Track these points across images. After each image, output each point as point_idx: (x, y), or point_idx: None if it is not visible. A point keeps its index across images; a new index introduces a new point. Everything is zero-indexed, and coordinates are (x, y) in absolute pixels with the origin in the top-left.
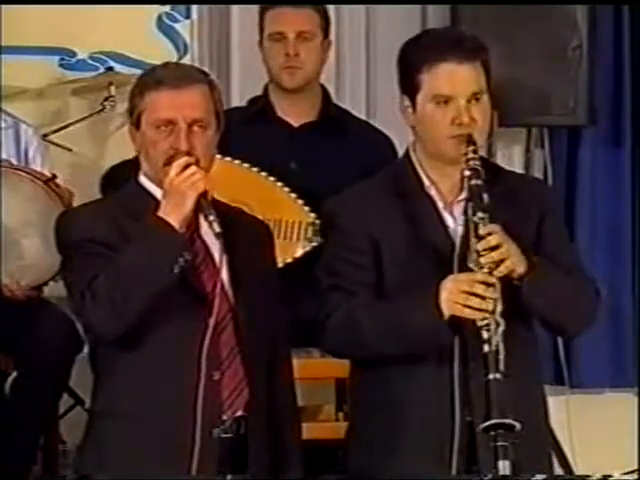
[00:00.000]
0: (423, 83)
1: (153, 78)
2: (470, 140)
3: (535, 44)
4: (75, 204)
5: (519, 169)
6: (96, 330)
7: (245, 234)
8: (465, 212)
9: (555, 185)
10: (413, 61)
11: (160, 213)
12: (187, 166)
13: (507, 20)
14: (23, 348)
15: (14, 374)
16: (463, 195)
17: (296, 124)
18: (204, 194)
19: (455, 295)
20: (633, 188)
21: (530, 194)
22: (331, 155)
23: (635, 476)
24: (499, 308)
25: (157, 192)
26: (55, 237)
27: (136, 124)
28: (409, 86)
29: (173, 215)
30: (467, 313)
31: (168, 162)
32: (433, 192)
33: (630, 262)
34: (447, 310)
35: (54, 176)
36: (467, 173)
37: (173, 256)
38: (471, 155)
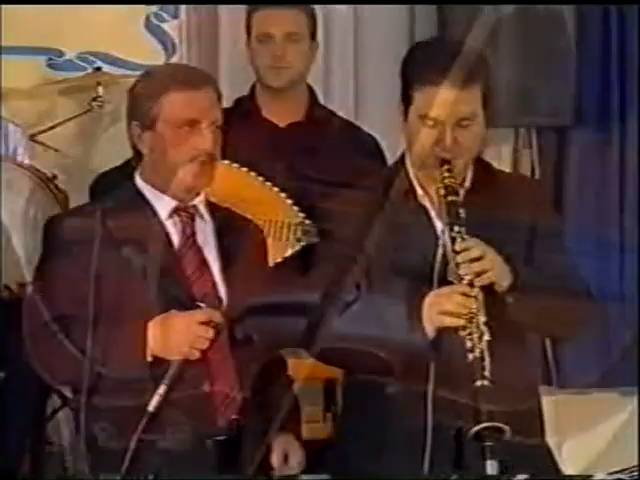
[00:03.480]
0: (414, 99)
1: (169, 78)
2: (444, 159)
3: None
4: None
5: (507, 169)
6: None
7: (238, 236)
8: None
9: None
10: (409, 74)
11: (149, 341)
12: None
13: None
14: (9, 349)
15: (1, 375)
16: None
17: (282, 124)
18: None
19: (435, 309)
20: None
21: (525, 195)
22: (317, 155)
23: (619, 476)
24: (482, 319)
25: (154, 198)
26: (42, 237)
27: (148, 125)
28: (404, 95)
29: (156, 350)
30: (448, 322)
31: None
32: (427, 203)
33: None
34: (430, 325)
35: (55, 177)
36: (442, 192)
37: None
38: (446, 174)
